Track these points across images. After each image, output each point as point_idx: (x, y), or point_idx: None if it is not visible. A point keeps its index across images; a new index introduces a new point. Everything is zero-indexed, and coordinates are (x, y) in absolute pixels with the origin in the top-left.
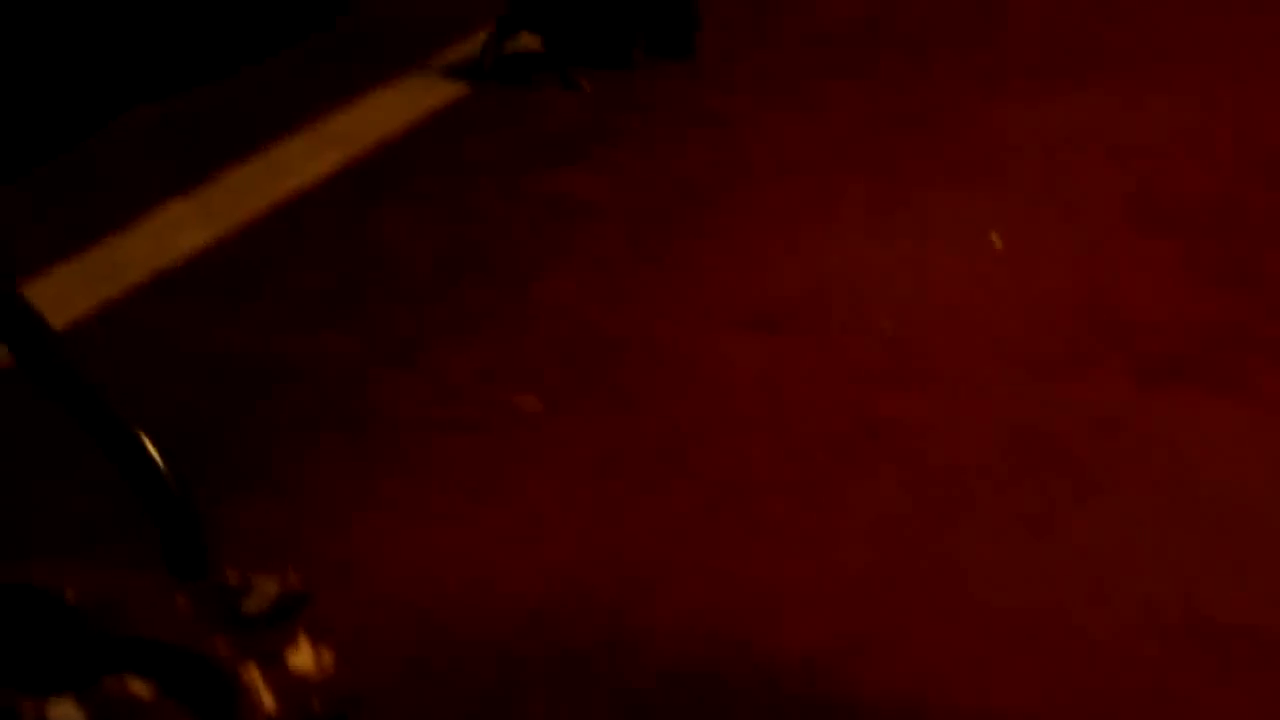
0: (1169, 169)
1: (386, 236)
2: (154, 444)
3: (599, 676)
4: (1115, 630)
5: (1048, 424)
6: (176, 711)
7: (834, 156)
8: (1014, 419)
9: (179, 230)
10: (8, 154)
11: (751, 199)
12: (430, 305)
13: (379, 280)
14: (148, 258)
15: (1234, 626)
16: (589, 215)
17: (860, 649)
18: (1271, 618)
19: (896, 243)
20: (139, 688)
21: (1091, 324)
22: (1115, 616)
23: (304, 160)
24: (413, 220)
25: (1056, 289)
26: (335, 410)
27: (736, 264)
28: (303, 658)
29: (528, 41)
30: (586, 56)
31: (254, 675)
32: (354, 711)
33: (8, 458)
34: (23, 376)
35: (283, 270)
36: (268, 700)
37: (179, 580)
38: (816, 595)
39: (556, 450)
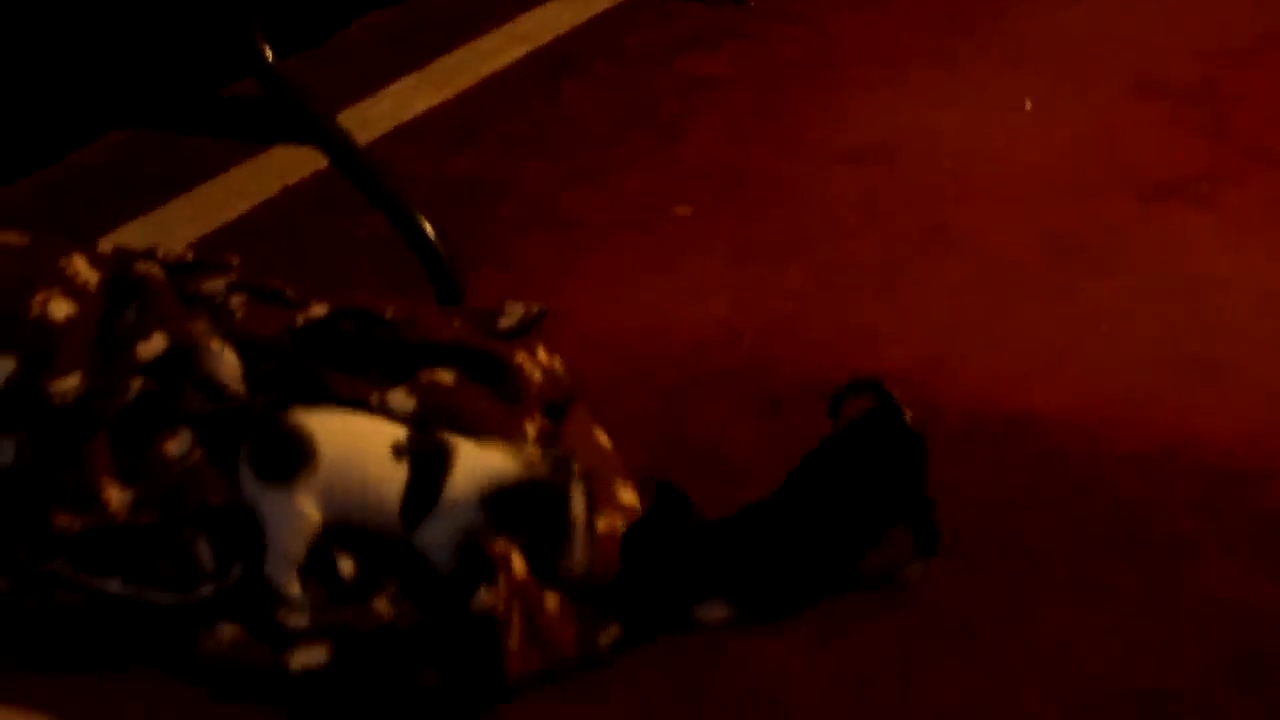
0: (1160, 55)
1: (568, 103)
2: (427, 220)
3: (748, 386)
4: (1122, 357)
5: (1071, 228)
6: (476, 390)
7: (900, 46)
8: (1045, 224)
9: (413, 95)
10: (297, 27)
11: (840, 75)
12: (606, 148)
13: (566, 132)
14: (390, 115)
15: (1207, 358)
16: (721, 86)
17: (936, 367)
18: (1234, 353)
19: (952, 107)
20: (446, 376)
21: (1101, 162)
22: (1119, 349)
23: (499, 51)
24: (589, 92)
25: (1074, 137)
26: (541, 215)
27: (831, 120)
28: (544, 357)
29: None
30: None
31: (524, 360)
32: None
33: (329, 234)
34: (336, 176)
35: (492, 123)
36: (536, 375)
37: (447, 307)
38: (902, 334)
39: (706, 242)
